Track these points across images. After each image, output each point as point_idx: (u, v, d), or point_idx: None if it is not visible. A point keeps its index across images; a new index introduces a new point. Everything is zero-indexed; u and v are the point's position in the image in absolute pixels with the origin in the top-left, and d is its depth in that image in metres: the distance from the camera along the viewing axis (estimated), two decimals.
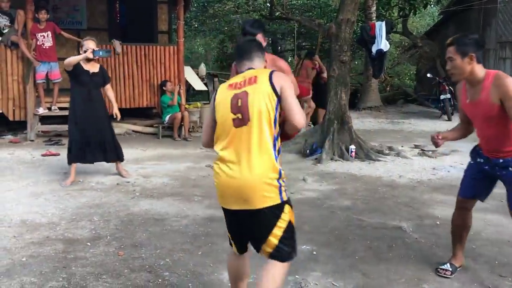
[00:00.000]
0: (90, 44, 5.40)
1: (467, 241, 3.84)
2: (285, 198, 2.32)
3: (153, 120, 9.54)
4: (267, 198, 2.26)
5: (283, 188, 2.32)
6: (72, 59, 5.29)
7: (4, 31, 8.19)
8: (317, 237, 3.91)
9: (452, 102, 11.97)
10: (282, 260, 2.33)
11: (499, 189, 5.46)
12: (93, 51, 5.33)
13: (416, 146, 7.96)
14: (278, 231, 2.29)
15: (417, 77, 16.85)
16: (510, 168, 2.98)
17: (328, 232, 4.04)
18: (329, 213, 4.50)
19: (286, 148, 7.43)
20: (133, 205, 4.73)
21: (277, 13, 16.83)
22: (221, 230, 4.02)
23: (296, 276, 3.17)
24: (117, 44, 8.75)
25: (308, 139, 7.40)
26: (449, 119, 11.59)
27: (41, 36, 8.06)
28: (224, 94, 2.42)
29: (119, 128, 9.04)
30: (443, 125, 10.92)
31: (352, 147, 7.01)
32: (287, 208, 2.33)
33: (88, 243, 3.72)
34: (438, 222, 4.28)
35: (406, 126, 10.91)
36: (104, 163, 6.60)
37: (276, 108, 2.30)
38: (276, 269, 2.32)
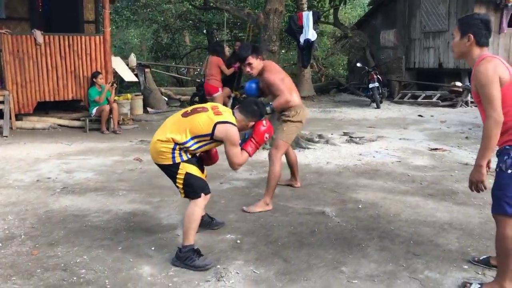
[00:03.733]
0: None
1: (386, 222, 3.99)
2: (177, 160, 3.22)
3: (80, 113, 9.17)
4: (163, 159, 3.25)
5: (176, 154, 3.21)
6: None
7: None
8: (242, 226, 3.91)
9: (380, 90, 12.39)
10: (190, 198, 3.27)
11: (420, 171, 5.72)
12: None
13: (345, 134, 8.16)
14: (180, 180, 3.24)
15: (349, 66, 17.30)
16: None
17: (253, 220, 4.05)
18: (256, 201, 4.49)
19: None
20: (53, 202, 4.51)
21: (211, 3, 16.70)
22: (144, 225, 3.95)
23: (218, 266, 3.15)
24: (38, 34, 8.31)
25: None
26: (378, 107, 12.00)
27: None
28: None
29: (43, 123, 8.64)
30: (372, 113, 11.31)
31: None
32: (181, 165, 3.22)
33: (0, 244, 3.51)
34: (360, 206, 4.40)
35: (337, 114, 11.16)
36: (26, 157, 6.30)
37: (205, 136, 3.24)
38: (190, 204, 3.26)
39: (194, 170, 3.28)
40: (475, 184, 2.76)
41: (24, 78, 8.37)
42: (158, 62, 19.76)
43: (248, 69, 4.30)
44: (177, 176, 3.24)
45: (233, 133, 3.28)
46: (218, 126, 3.21)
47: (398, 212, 4.26)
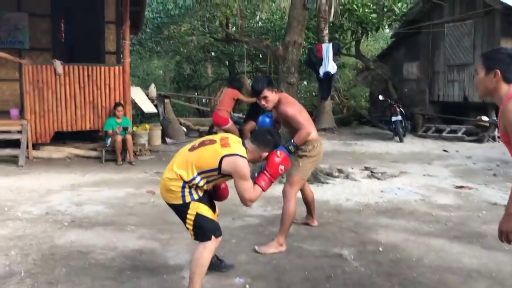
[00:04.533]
0: None
1: (408, 268, 3.70)
2: (187, 200, 3.05)
3: (97, 143, 9.11)
4: (173, 198, 3.08)
5: (186, 193, 3.03)
6: None
7: None
8: (253, 268, 3.66)
9: (403, 124, 12.10)
10: (200, 240, 3.08)
11: (445, 211, 5.39)
12: None
13: (366, 168, 7.88)
14: (190, 221, 3.07)
15: (371, 99, 17.06)
16: None
17: (265, 262, 3.81)
18: (269, 241, 4.25)
19: None
20: (59, 236, 4.35)
21: (231, 36, 16.87)
22: (149, 264, 3.74)
23: None
24: (57, 64, 8.36)
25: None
26: (401, 141, 11.68)
27: None
28: None
29: (60, 152, 8.61)
30: (395, 147, 11.00)
31: None
32: (191, 205, 3.05)
33: None
34: (380, 249, 4.11)
35: (358, 147, 10.89)
36: (38, 188, 6.20)
37: (212, 170, 3.04)
38: (199, 247, 3.08)
39: (205, 210, 3.09)
40: (506, 235, 2.48)
41: (43, 107, 8.39)
42: (180, 92, 19.88)
43: (263, 102, 4.14)
44: (187, 216, 3.06)
45: (242, 165, 3.03)
46: (225, 159, 3.00)
47: (421, 256, 3.96)
